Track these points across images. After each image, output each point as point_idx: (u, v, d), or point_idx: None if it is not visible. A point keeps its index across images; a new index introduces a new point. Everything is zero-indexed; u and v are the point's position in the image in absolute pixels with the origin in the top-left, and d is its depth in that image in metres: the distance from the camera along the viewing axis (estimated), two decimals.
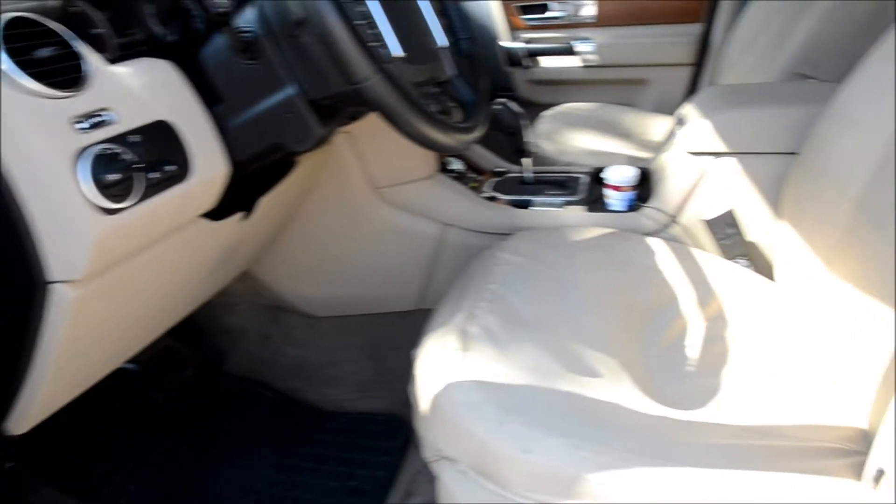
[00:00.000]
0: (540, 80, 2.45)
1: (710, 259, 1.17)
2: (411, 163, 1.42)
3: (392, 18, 0.92)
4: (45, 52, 0.71)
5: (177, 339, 1.53)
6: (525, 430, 0.77)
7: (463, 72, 1.15)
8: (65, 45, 0.74)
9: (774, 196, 1.17)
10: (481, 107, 1.13)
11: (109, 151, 0.73)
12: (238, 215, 1.06)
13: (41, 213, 0.71)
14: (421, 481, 1.29)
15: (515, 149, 1.44)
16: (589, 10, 2.30)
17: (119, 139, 0.75)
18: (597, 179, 1.45)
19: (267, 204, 1.13)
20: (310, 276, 1.54)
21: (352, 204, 1.44)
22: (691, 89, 2.27)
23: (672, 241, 1.26)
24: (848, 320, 0.90)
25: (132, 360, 1.14)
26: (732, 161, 1.21)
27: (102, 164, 0.72)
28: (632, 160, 1.62)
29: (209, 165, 0.89)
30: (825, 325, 0.96)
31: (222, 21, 0.87)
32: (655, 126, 1.97)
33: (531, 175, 1.50)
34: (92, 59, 0.76)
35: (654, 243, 1.21)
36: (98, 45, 0.82)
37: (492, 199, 1.45)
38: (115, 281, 0.84)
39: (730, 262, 1.20)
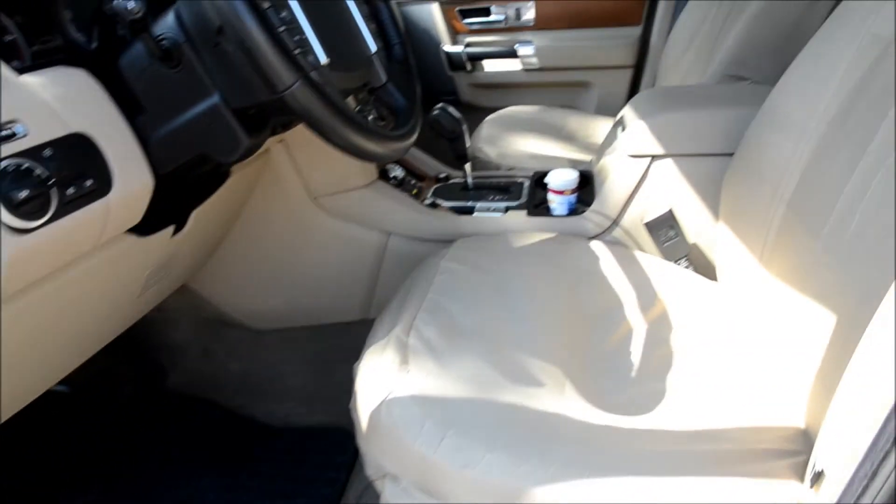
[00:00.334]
0: (483, 83, 2.46)
1: (652, 261, 1.18)
2: (349, 170, 1.39)
3: (318, 24, 0.89)
4: None
5: (113, 358, 1.47)
6: (465, 444, 0.75)
7: (396, 77, 1.12)
8: None
9: (714, 197, 1.19)
10: (414, 113, 1.10)
11: (19, 167, 0.68)
12: (169, 229, 1.02)
13: None
14: (369, 496, 1.26)
15: (456, 154, 1.42)
16: (529, 13, 2.31)
17: (30, 153, 0.71)
18: (539, 183, 1.44)
19: (200, 216, 1.09)
20: (251, 288, 1.50)
21: (290, 213, 1.41)
22: (633, 91, 2.29)
23: (615, 244, 1.26)
24: (784, 320, 0.91)
25: (64, 382, 1.09)
26: (671, 163, 1.22)
27: (11, 180, 0.67)
28: (574, 163, 1.62)
29: (131, 179, 0.84)
30: (764, 326, 0.97)
31: (139, 28, 0.83)
32: (598, 128, 1.99)
33: (473, 181, 1.48)
34: None
35: (597, 247, 1.21)
36: (9, 53, 0.77)
37: (433, 205, 1.43)
38: (38, 301, 0.80)
39: (672, 264, 1.21)
